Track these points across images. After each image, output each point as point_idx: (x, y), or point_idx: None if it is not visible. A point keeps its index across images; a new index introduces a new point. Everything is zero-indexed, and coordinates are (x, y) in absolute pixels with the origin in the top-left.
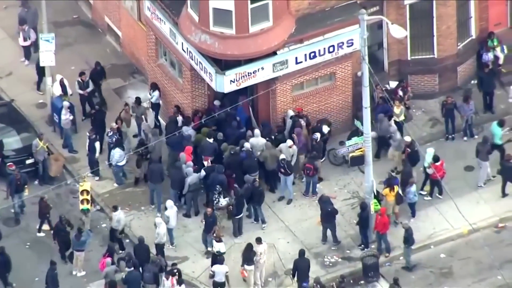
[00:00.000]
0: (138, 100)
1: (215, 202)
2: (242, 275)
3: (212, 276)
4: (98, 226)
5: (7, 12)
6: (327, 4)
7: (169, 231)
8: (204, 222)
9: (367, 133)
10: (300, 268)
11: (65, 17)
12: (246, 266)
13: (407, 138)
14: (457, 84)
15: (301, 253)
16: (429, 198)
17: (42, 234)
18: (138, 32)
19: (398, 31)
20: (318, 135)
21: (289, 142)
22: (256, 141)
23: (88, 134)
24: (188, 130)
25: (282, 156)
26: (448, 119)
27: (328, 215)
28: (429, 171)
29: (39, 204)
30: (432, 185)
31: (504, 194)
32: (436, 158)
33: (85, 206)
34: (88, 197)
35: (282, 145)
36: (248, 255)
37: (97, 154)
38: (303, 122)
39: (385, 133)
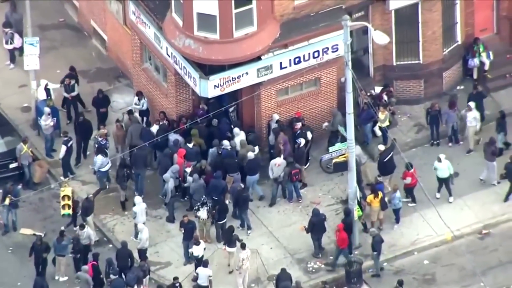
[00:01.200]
0: (130, 112)
1: (194, 209)
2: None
3: (195, 278)
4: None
5: None
6: (311, 9)
7: (136, 227)
8: (183, 230)
9: (350, 139)
10: (282, 280)
11: (51, 20)
12: (227, 248)
13: (381, 147)
14: (443, 89)
15: (282, 270)
16: (413, 204)
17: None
18: (124, 36)
19: (381, 38)
20: (301, 140)
21: (277, 160)
22: (238, 139)
23: (64, 138)
24: (174, 136)
25: (250, 156)
26: (433, 125)
27: (322, 224)
28: (406, 181)
29: None
30: (408, 192)
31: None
32: (408, 166)
33: (67, 211)
34: (70, 202)
35: (271, 163)
36: (229, 237)
37: (60, 156)
38: (299, 125)
39: (337, 128)
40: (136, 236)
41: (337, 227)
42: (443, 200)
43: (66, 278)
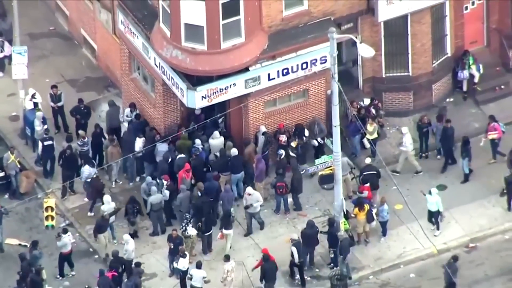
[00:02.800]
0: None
1: (181, 230)
2: (221, 237)
3: (190, 278)
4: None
5: None
6: (300, 20)
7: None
8: (171, 245)
9: (336, 152)
10: (268, 271)
11: (41, 28)
12: (224, 230)
13: (367, 160)
14: (432, 102)
15: (265, 258)
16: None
17: (91, 214)
18: (113, 45)
19: (366, 50)
20: (282, 151)
21: (249, 190)
22: (215, 142)
23: (45, 135)
24: (162, 147)
25: (234, 152)
26: (422, 138)
27: (315, 237)
28: (363, 194)
29: (92, 183)
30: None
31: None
32: (365, 181)
33: (50, 222)
34: (53, 214)
35: (246, 190)
36: (227, 220)
37: (39, 151)
38: (284, 138)
39: (324, 135)
40: (113, 237)
41: (262, 255)
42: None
43: None
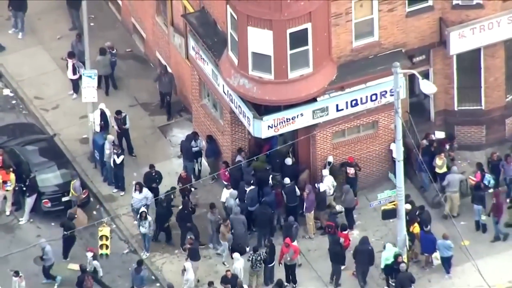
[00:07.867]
0: (213, 205)
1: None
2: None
3: None
4: (129, 268)
5: (60, 43)
6: (370, 51)
7: (144, 236)
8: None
9: (400, 187)
10: (361, 254)
11: (118, 50)
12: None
13: (407, 206)
14: (505, 136)
15: (364, 240)
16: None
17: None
18: (186, 70)
19: (428, 87)
20: (321, 185)
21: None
22: None
23: (114, 150)
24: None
25: (288, 161)
26: (494, 175)
27: (367, 255)
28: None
29: (179, 179)
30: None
31: None
32: (344, 227)
33: (104, 251)
34: (107, 243)
35: None
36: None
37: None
38: (352, 171)
39: (350, 205)
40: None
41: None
42: (497, 251)
43: None
